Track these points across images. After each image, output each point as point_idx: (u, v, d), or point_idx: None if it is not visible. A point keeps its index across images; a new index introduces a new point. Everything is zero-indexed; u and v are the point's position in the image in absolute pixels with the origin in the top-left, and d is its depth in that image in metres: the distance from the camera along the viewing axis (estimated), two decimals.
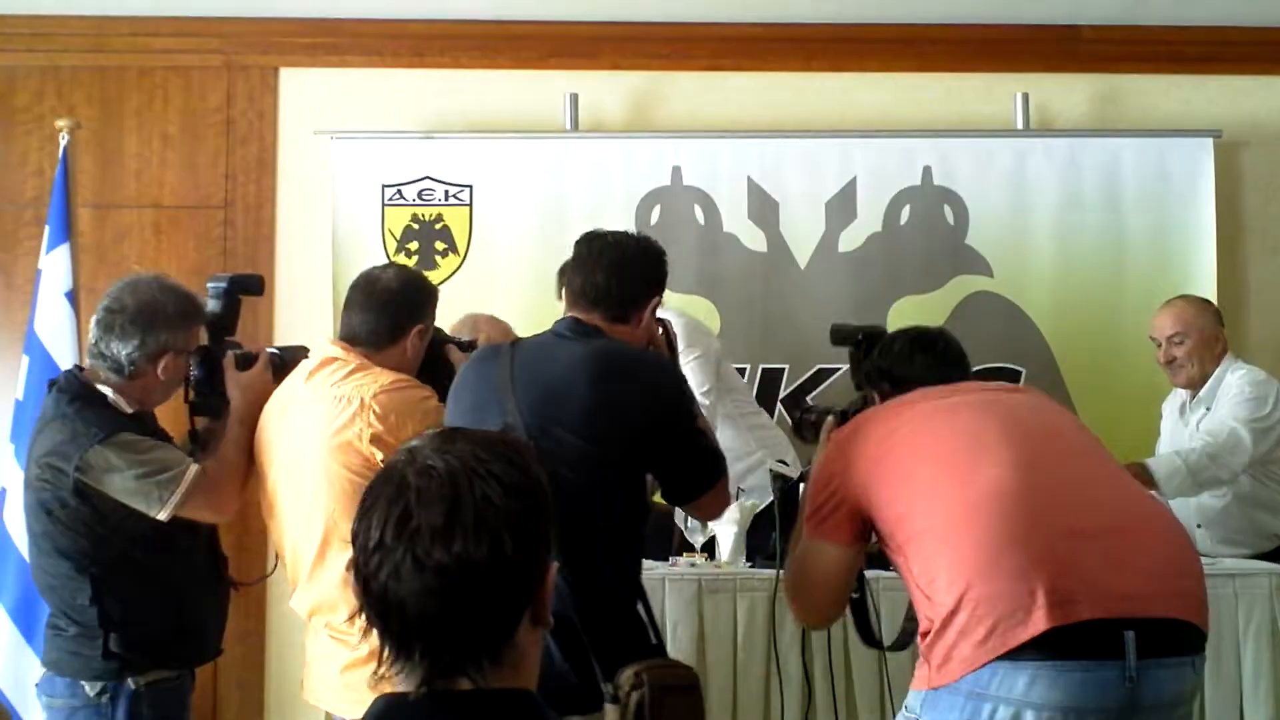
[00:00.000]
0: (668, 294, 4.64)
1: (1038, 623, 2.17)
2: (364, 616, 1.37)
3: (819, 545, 2.52)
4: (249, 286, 3.23)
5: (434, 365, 2.97)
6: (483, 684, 1.33)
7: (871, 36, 5.05)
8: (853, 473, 2.49)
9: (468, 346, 3.09)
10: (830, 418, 2.88)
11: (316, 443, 2.84)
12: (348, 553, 2.86)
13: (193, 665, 3.10)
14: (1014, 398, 2.67)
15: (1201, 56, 5.06)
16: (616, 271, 2.71)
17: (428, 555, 1.31)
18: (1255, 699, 3.51)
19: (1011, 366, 4.82)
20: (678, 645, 3.47)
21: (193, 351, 3.06)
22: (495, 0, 4.91)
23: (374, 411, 2.80)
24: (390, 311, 2.96)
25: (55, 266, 4.41)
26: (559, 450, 2.44)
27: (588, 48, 5.06)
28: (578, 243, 2.79)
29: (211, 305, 3.13)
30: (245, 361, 3.09)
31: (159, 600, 2.95)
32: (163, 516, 2.90)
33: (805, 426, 3.06)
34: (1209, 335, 4.21)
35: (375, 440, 2.79)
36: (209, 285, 3.18)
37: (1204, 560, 3.76)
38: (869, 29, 5.03)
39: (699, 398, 3.92)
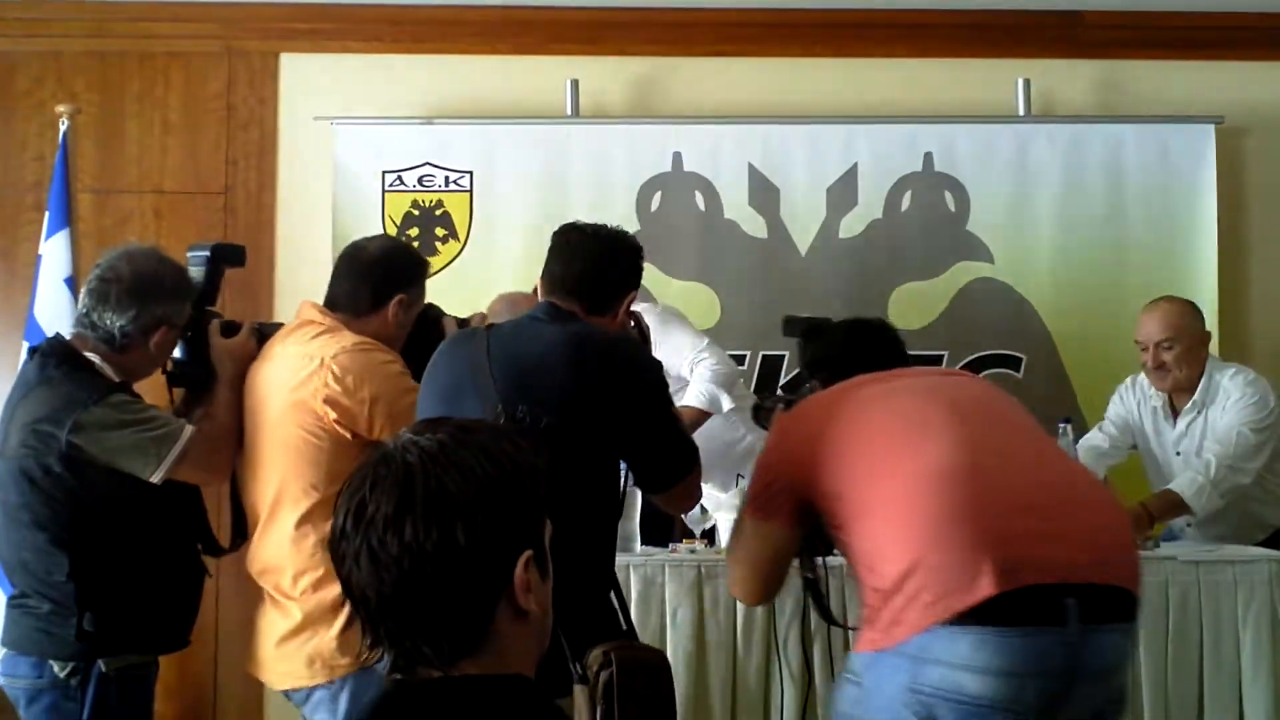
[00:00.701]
0: (668, 280, 4.76)
1: (984, 588, 2.23)
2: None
3: (755, 524, 2.58)
4: (231, 256, 3.20)
5: (426, 338, 2.96)
6: (454, 672, 1.33)
7: (873, 22, 5.04)
8: (791, 454, 2.56)
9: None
10: (780, 406, 2.91)
11: (277, 400, 2.87)
12: (297, 512, 2.88)
13: (162, 652, 3.06)
14: (954, 381, 2.80)
15: (1204, 43, 5.05)
16: (596, 264, 2.73)
17: (381, 544, 1.32)
18: (1255, 685, 3.52)
19: (1012, 353, 4.82)
20: (678, 630, 3.49)
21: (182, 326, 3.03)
22: None
23: (332, 371, 2.80)
24: (372, 279, 2.96)
25: (55, 252, 4.42)
26: (534, 432, 2.43)
27: (589, 33, 5.05)
28: (556, 234, 2.80)
29: (193, 275, 3.08)
30: (229, 330, 3.07)
31: (137, 580, 2.91)
32: (156, 478, 2.85)
33: (761, 414, 3.12)
34: (1197, 340, 4.17)
35: (329, 400, 2.80)
36: (189, 254, 3.13)
37: (1203, 548, 3.85)
38: (870, 14, 5.02)
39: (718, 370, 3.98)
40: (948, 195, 4.87)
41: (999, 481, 2.38)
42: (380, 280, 2.96)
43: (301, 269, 4.93)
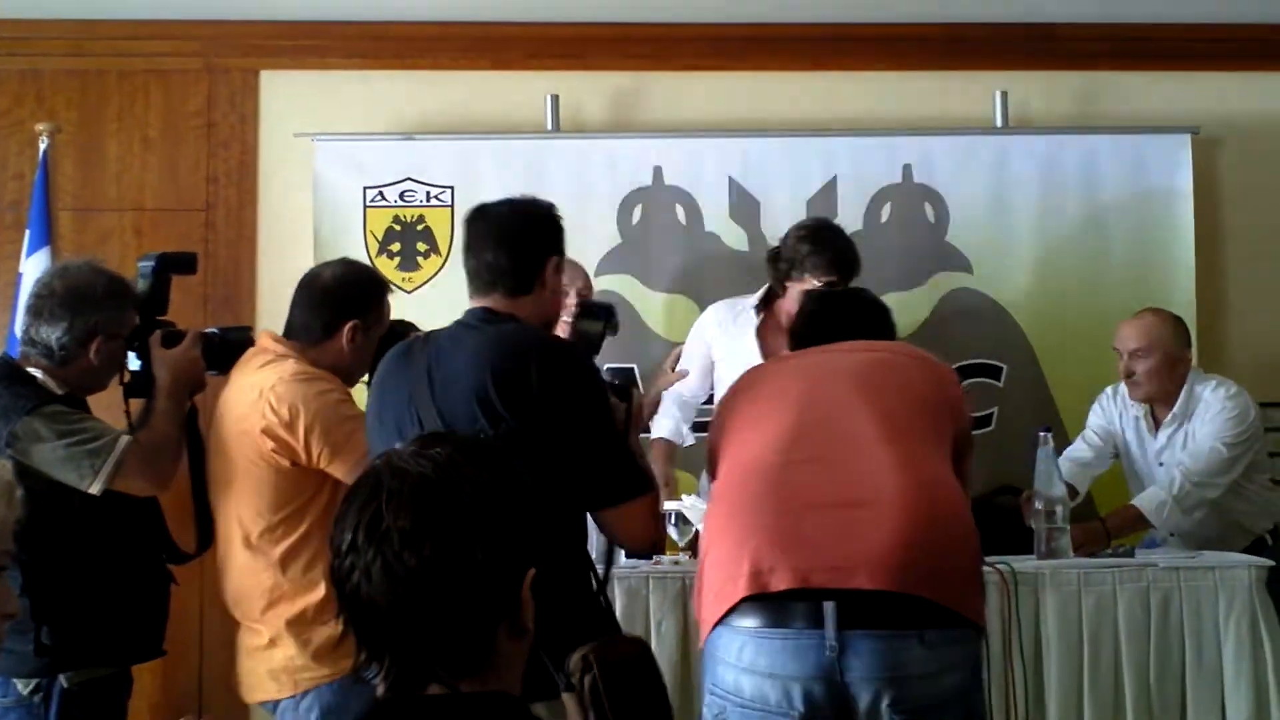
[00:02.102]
0: (650, 293, 4.77)
1: (737, 591, 2.27)
2: (340, 619, 1.36)
3: None
4: (179, 265, 3.19)
5: None
6: (453, 688, 1.33)
7: (852, 36, 5.07)
8: (713, 428, 2.68)
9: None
10: None
11: (227, 429, 2.91)
12: (249, 537, 2.86)
13: (129, 663, 3.05)
14: (847, 359, 2.68)
15: (1179, 54, 5.09)
16: (504, 243, 2.62)
17: (398, 559, 1.30)
18: (1236, 689, 3.53)
19: (992, 362, 4.84)
20: (663, 642, 3.48)
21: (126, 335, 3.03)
22: (476, 1, 4.91)
23: (269, 402, 2.83)
24: (325, 307, 2.99)
25: (36, 271, 4.41)
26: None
27: (569, 48, 5.07)
28: (465, 223, 2.72)
29: (140, 285, 3.09)
30: (172, 339, 3.06)
31: (94, 591, 2.90)
32: (95, 490, 2.85)
33: None
34: (1172, 355, 4.15)
35: (266, 431, 2.82)
36: (139, 264, 3.15)
37: (1184, 554, 3.86)
38: (849, 28, 5.05)
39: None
40: (927, 206, 4.89)
41: (798, 475, 2.37)
42: (331, 309, 2.98)
43: (283, 285, 4.82)
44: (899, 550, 2.28)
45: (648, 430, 4.16)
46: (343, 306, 2.99)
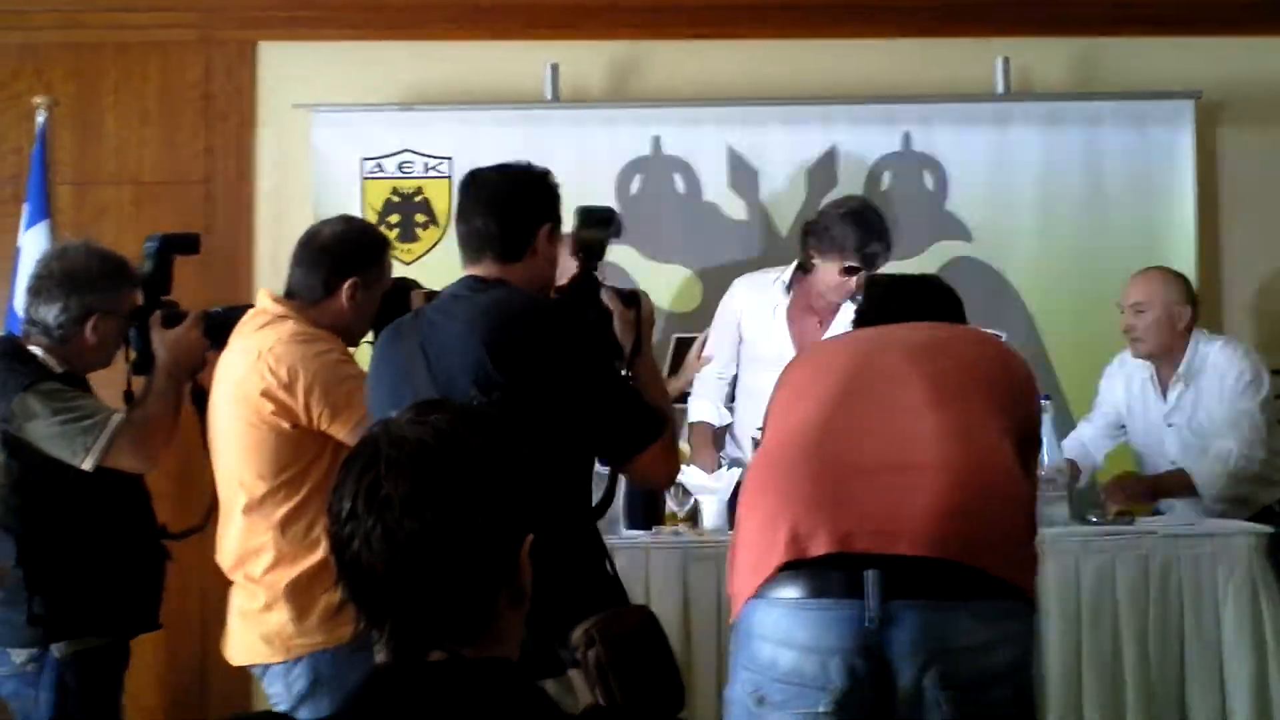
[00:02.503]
0: (649, 263, 4.76)
1: (774, 559, 2.17)
2: (339, 586, 1.36)
3: None
4: (183, 245, 3.21)
5: (399, 313, 2.97)
6: (454, 653, 1.33)
7: (851, 3, 5.03)
8: (768, 402, 2.59)
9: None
10: None
11: (225, 392, 2.89)
12: (249, 501, 2.85)
13: (124, 635, 3.09)
14: (905, 333, 2.59)
15: (1180, 19, 5.05)
16: (494, 209, 2.60)
17: (398, 525, 1.30)
18: (1236, 657, 3.54)
19: (992, 331, 4.82)
20: (663, 615, 3.45)
21: (127, 314, 3.07)
22: None
23: (267, 364, 2.81)
24: (324, 265, 2.96)
25: (35, 244, 4.42)
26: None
27: (568, 18, 5.04)
28: (459, 190, 2.70)
29: (145, 265, 3.13)
30: (173, 320, 3.09)
31: (87, 563, 2.94)
32: (87, 465, 2.90)
33: None
34: (1173, 311, 4.16)
35: (265, 394, 2.81)
36: (144, 244, 3.17)
37: (1184, 522, 3.87)
38: None
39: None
40: (926, 175, 4.88)
41: (841, 436, 2.27)
42: (331, 265, 2.96)
43: (282, 257, 4.79)
44: (945, 515, 2.16)
45: (683, 399, 4.19)
46: (342, 263, 2.97)
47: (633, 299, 2.74)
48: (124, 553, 3.04)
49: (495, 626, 1.36)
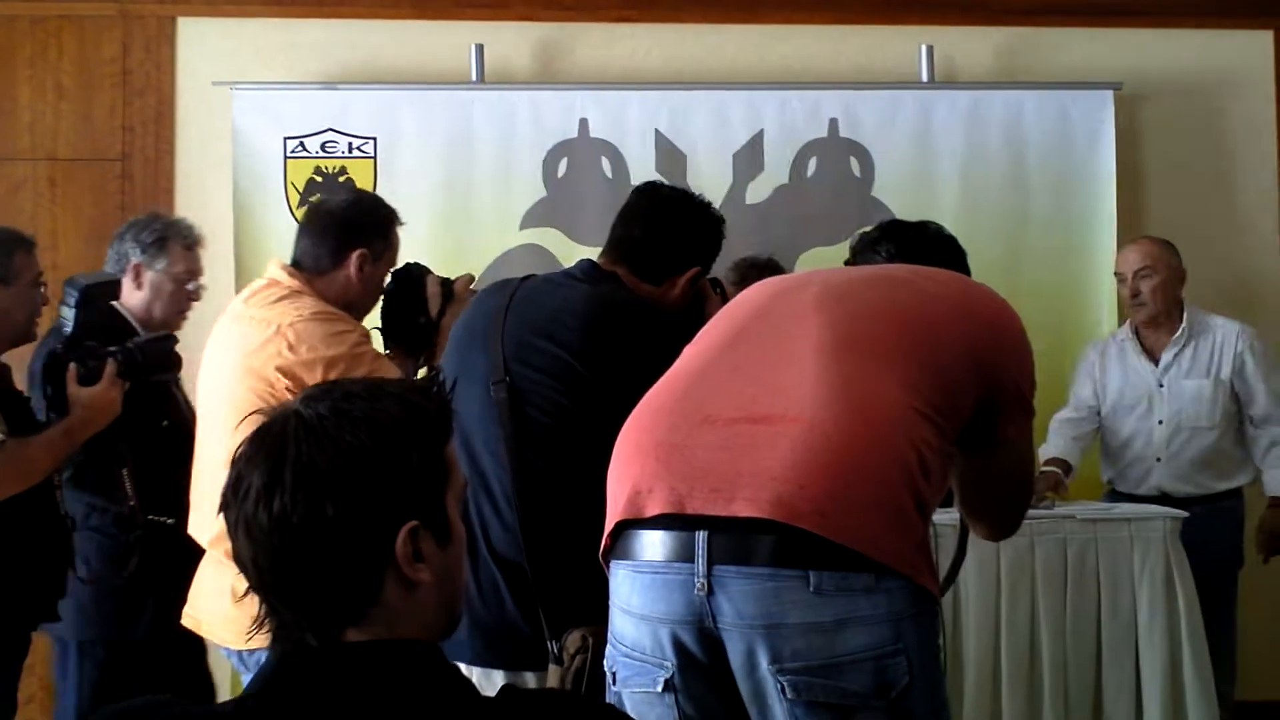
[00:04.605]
0: (575, 246, 4.74)
1: (614, 517, 1.99)
2: None
3: None
4: (104, 294, 3.13)
5: (410, 297, 2.92)
6: (336, 640, 1.34)
7: None
8: None
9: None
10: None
11: (232, 362, 2.81)
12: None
13: (22, 626, 3.07)
14: (846, 272, 2.30)
15: (1102, 10, 5.11)
16: (657, 229, 2.61)
17: (253, 516, 1.32)
18: (1150, 639, 3.60)
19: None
20: None
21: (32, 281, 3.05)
22: None
23: (287, 339, 2.75)
24: (331, 235, 2.91)
25: None
26: (531, 392, 2.40)
27: None
28: (633, 191, 2.73)
29: (64, 313, 3.04)
30: (89, 377, 3.00)
31: None
32: None
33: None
34: (1176, 273, 4.36)
35: (282, 369, 2.74)
36: (65, 287, 3.08)
37: (1101, 507, 3.93)
38: None
39: None
40: (853, 161, 4.90)
41: (705, 392, 2.02)
42: (338, 236, 2.91)
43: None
44: (795, 475, 1.86)
45: None
46: (350, 234, 2.92)
47: (717, 284, 2.75)
48: (25, 542, 2.99)
49: (387, 613, 1.34)
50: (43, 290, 3.14)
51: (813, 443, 1.88)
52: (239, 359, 2.80)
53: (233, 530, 1.35)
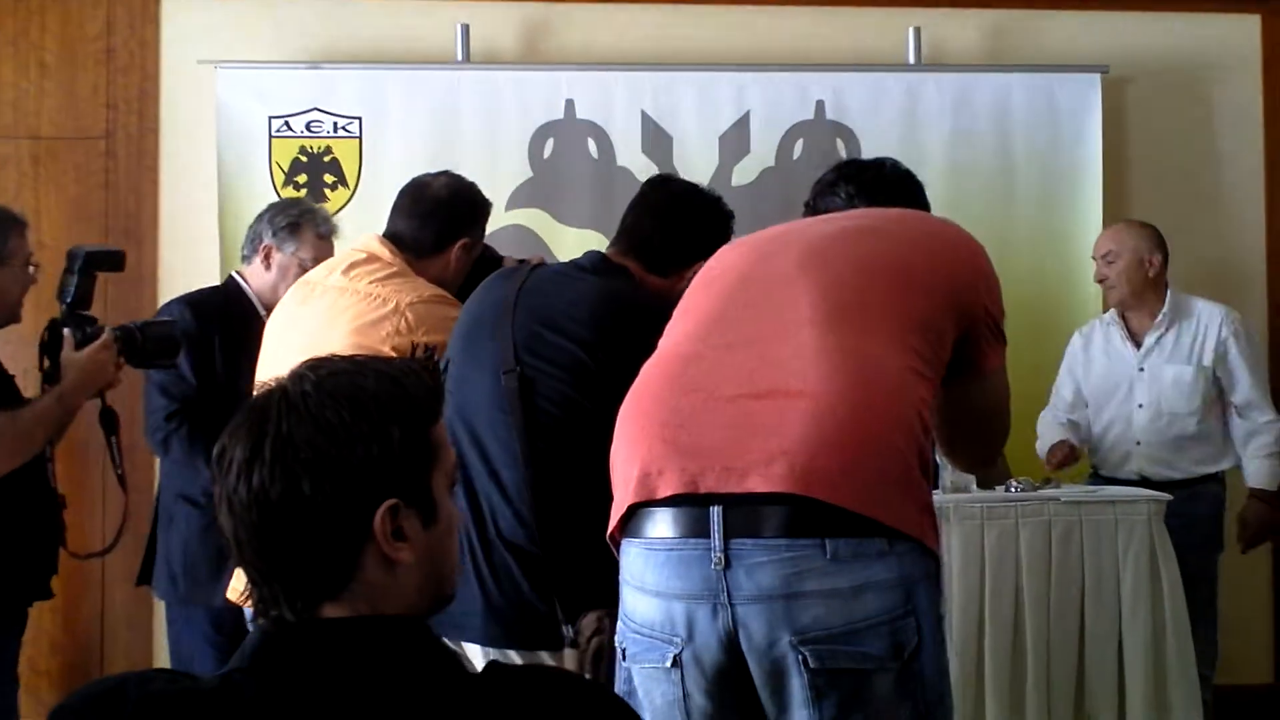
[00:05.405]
0: (562, 228, 4.74)
1: (627, 499, 2.00)
2: None
3: None
4: (107, 262, 3.14)
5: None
6: (313, 615, 1.34)
7: None
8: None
9: None
10: None
11: (338, 330, 2.74)
12: None
13: (18, 603, 3.08)
14: (817, 228, 2.28)
15: None
16: (668, 224, 2.63)
17: (234, 490, 1.33)
18: (1133, 621, 3.61)
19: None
20: None
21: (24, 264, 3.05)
22: None
23: (406, 319, 2.72)
24: (436, 220, 2.90)
25: None
26: (540, 381, 2.41)
27: None
28: (644, 184, 2.76)
29: (65, 280, 3.05)
30: (85, 340, 3.01)
31: None
32: None
33: None
34: (1142, 257, 4.36)
35: (398, 349, 2.72)
36: (66, 257, 3.08)
37: (1086, 489, 3.94)
38: None
39: None
40: (839, 143, 4.90)
41: (702, 370, 2.03)
42: (444, 221, 2.90)
43: (186, 216, 4.83)
44: (801, 446, 1.89)
45: None
46: (456, 221, 2.91)
47: None
48: (19, 521, 2.98)
49: (366, 590, 1.34)
50: (32, 271, 3.12)
51: (820, 416, 1.91)
52: (345, 331, 2.73)
53: (217, 503, 1.35)
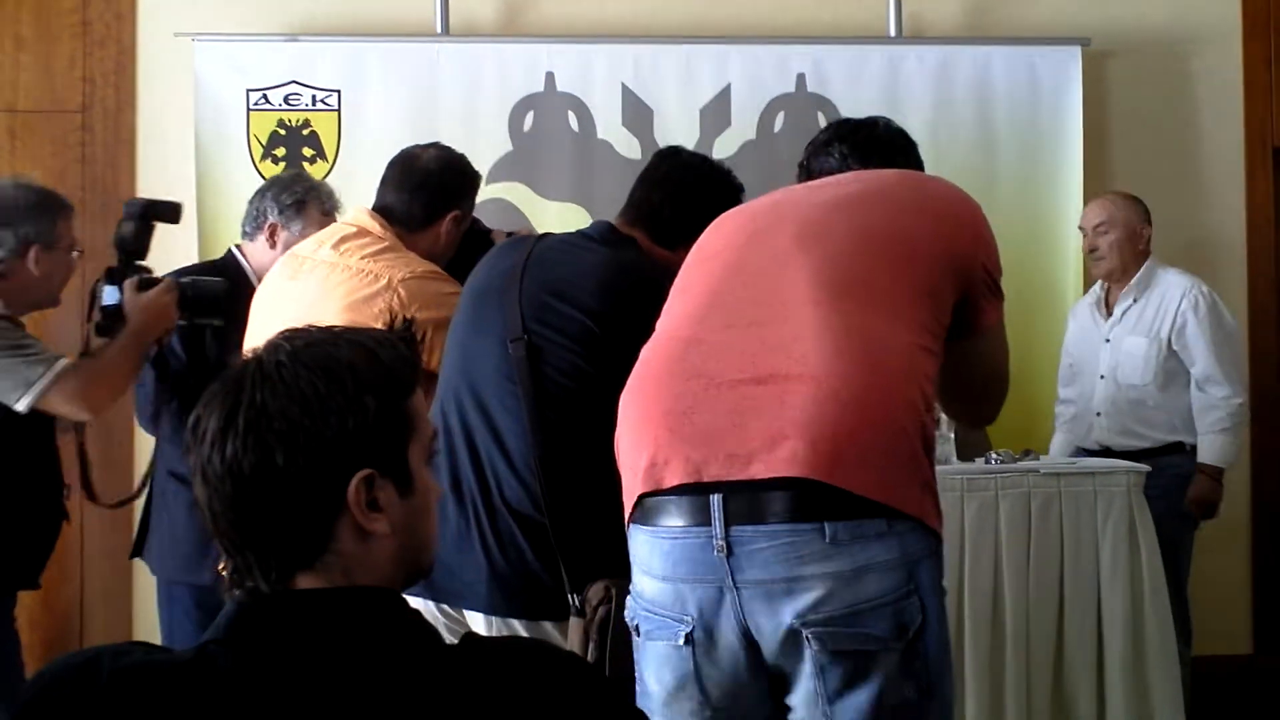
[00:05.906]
0: (542, 201, 4.73)
1: (636, 488, 2.03)
2: None
3: None
4: (164, 214, 3.19)
5: (478, 252, 2.87)
6: (286, 586, 1.34)
7: None
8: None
9: None
10: None
11: (330, 306, 2.72)
12: None
13: (7, 589, 3.10)
14: (814, 196, 2.24)
15: None
16: (677, 196, 2.63)
17: (208, 461, 1.32)
18: (1112, 591, 3.63)
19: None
20: None
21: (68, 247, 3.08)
22: None
23: (399, 295, 2.69)
24: (426, 193, 2.87)
25: None
26: (548, 351, 2.41)
27: None
28: (654, 155, 2.74)
29: (124, 228, 3.11)
30: (147, 285, 3.09)
31: None
32: (22, 405, 2.87)
33: None
34: (1134, 230, 4.38)
35: (389, 325, 2.71)
36: (124, 205, 3.17)
37: (1065, 460, 3.96)
38: None
39: None
40: (820, 116, 4.88)
41: (703, 354, 2.04)
42: (434, 194, 2.87)
43: (163, 189, 4.74)
44: (803, 430, 1.89)
45: None
46: (447, 194, 2.88)
47: None
48: (26, 510, 3.02)
49: (342, 561, 1.34)
50: (75, 256, 3.16)
51: (822, 399, 1.92)
52: (338, 308, 2.70)
53: (192, 473, 1.35)
